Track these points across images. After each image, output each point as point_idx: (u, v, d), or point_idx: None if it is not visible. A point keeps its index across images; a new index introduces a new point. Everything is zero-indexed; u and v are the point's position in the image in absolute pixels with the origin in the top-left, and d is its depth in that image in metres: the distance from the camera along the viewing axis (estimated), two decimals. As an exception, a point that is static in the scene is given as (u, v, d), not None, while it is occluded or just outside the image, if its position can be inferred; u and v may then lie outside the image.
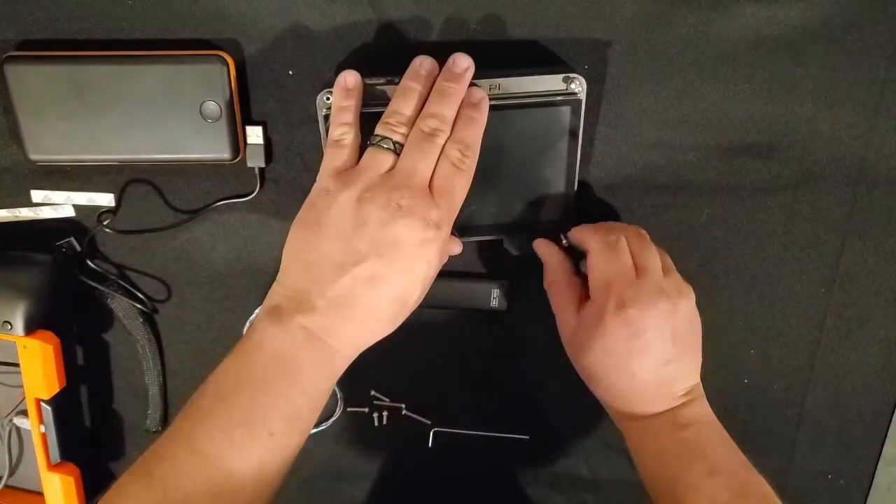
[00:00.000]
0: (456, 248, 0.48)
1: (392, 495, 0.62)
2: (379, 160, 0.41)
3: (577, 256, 0.49)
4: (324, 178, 0.42)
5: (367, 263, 0.39)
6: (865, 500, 0.61)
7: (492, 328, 0.56)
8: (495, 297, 0.54)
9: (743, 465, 0.43)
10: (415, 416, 0.59)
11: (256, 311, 0.54)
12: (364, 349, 0.42)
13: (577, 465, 0.61)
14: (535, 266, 0.53)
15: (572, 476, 0.61)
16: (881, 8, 0.47)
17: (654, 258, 0.46)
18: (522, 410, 0.59)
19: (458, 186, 0.42)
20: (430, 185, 0.41)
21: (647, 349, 0.44)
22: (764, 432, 0.59)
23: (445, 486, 0.62)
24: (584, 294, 0.47)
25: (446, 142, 0.42)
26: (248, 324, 0.55)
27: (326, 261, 0.40)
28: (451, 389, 0.58)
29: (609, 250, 0.45)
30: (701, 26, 0.47)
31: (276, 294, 0.41)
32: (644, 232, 0.47)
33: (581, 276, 0.48)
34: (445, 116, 0.42)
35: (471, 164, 0.42)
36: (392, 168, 0.41)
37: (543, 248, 0.50)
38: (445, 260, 0.45)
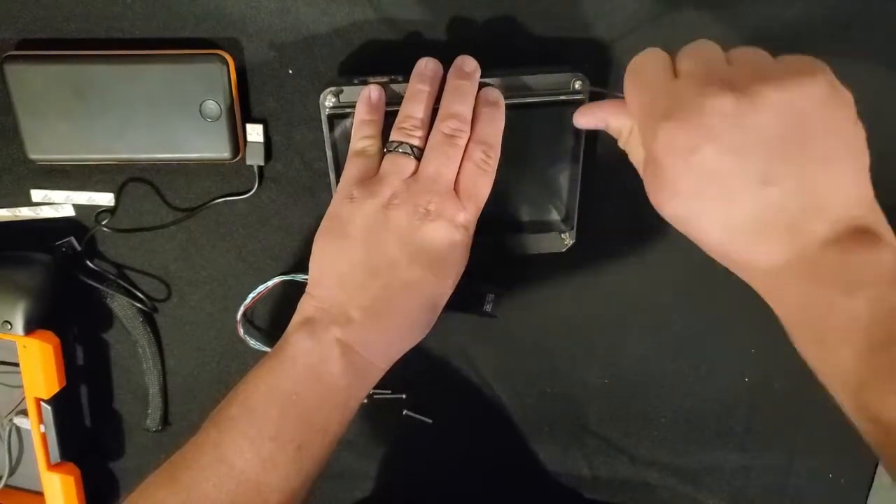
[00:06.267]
0: None
1: (392, 495, 0.62)
2: (400, 166, 0.41)
3: None
4: (346, 186, 0.41)
5: (401, 270, 0.39)
6: (866, 499, 0.61)
7: (483, 331, 0.56)
8: (489, 302, 0.54)
9: None
10: (415, 415, 0.59)
11: (243, 305, 0.54)
12: (395, 360, 0.42)
13: (577, 464, 0.61)
14: (534, 266, 0.53)
15: (572, 476, 0.61)
16: (881, 7, 0.47)
17: (693, 54, 0.34)
18: (522, 410, 0.59)
19: (483, 187, 0.42)
20: (455, 187, 0.41)
21: (713, 171, 0.32)
22: (765, 431, 0.59)
23: (445, 486, 0.62)
24: None
25: (468, 142, 0.41)
26: (239, 315, 0.54)
27: (359, 270, 0.39)
28: (449, 388, 0.58)
29: (634, 72, 0.36)
30: (701, 26, 0.47)
31: (308, 307, 0.41)
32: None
33: None
34: (464, 116, 0.41)
35: (494, 163, 0.42)
36: (415, 173, 0.41)
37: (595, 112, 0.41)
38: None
